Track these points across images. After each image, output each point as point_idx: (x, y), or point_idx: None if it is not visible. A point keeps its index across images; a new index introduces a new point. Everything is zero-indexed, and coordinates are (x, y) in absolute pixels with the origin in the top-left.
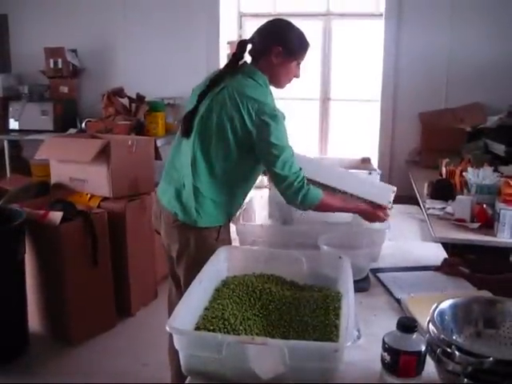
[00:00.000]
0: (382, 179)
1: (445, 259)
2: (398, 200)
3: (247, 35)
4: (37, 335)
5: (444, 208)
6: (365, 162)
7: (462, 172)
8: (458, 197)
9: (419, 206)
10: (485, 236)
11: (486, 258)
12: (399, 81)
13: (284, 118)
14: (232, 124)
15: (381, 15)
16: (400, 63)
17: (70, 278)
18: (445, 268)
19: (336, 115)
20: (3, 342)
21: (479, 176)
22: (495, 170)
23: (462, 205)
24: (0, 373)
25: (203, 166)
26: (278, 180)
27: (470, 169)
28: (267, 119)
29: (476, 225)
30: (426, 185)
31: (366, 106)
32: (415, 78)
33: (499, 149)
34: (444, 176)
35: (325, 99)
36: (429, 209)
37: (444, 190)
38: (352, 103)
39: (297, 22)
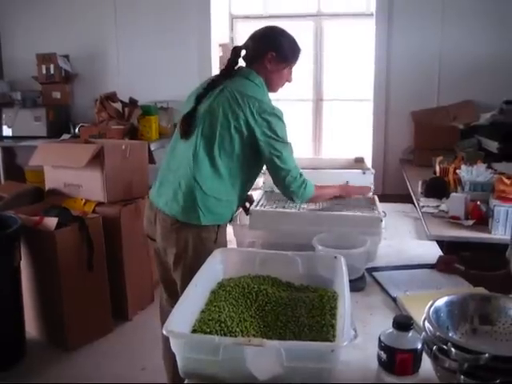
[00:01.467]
0: (375, 178)
1: (440, 257)
2: (393, 199)
3: (239, 37)
4: (34, 341)
5: (438, 206)
6: (358, 162)
7: (455, 170)
8: (452, 194)
9: (413, 204)
10: (479, 233)
11: (480, 254)
12: (391, 80)
13: (282, 114)
14: (237, 122)
15: (371, 15)
16: (391, 62)
17: (66, 283)
18: (440, 265)
19: (329, 115)
20: (0, 349)
21: (473, 173)
22: (488, 167)
23: (456, 202)
24: None
25: (206, 164)
26: (282, 174)
27: (463, 166)
28: (268, 117)
29: (470, 222)
30: (419, 183)
31: (359, 106)
32: (407, 76)
33: (492, 146)
34: (438, 174)
35: (317, 100)
36: (423, 207)
37: (438, 188)
38: (345, 103)
39: (288, 23)
